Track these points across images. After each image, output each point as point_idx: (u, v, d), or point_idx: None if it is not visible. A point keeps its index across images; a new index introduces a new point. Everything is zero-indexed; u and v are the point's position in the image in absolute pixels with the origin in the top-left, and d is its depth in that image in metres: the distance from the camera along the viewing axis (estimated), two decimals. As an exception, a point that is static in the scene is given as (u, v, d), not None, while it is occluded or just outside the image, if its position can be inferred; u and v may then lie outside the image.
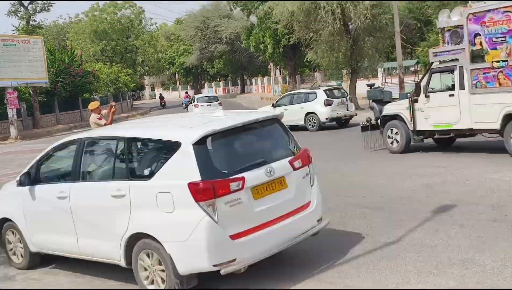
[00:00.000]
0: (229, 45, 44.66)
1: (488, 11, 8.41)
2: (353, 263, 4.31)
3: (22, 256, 5.11)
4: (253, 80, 50.44)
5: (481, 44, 8.57)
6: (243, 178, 3.70)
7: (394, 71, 26.13)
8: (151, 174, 3.92)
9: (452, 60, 9.06)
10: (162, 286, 3.82)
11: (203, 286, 3.95)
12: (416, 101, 9.74)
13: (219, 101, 26.35)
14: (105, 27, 46.51)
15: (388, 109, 10.71)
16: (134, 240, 3.90)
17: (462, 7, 9.63)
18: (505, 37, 8.18)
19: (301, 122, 16.71)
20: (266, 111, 5.38)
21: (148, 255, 3.86)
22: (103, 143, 4.83)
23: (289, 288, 3.98)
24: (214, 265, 3.55)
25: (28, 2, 32.75)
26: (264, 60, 39.68)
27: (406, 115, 9.97)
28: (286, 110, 15.61)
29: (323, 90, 17.24)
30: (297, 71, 38.24)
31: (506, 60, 8.18)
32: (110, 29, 46.84)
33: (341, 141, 13.94)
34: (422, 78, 10.27)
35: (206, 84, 60.13)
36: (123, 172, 4.25)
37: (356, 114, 17.35)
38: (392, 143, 10.40)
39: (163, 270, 3.77)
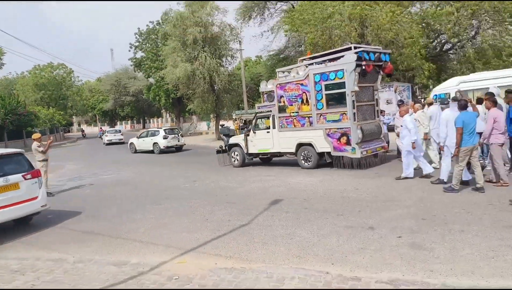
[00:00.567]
0: (135, 96, 60.94)
1: (288, 82, 12.98)
2: (222, 238, 6.24)
3: None
4: (151, 120, 71.92)
5: (284, 102, 13.16)
6: None
7: (240, 116, 35.30)
8: None
9: (269, 111, 13.65)
10: None
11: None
12: (248, 135, 14.43)
13: (121, 133, 39.55)
14: (44, 82, 62.74)
15: (232, 140, 15.63)
16: None
17: (273, 79, 14.08)
18: (296, 98, 12.74)
19: (151, 148, 25.44)
20: (13, 149, 8.49)
21: None
22: None
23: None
24: None
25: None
26: (159, 107, 56.45)
27: (242, 143, 14.72)
28: (144, 140, 26.23)
29: (163, 129, 26.17)
30: (181, 114, 53.03)
31: (297, 112, 12.76)
32: (47, 83, 62.94)
33: (204, 160, 18.67)
34: (252, 121, 14.89)
35: (118, 122, 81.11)
36: None
37: (185, 144, 26.40)
38: (234, 161, 15.12)
39: None
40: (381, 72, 12.43)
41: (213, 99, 32.22)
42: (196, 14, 29.96)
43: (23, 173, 7.72)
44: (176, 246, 6.03)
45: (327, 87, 11.90)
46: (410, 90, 23.43)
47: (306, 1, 23.25)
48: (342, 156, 12.05)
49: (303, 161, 12.79)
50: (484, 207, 6.61)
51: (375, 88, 12.56)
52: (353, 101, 11.44)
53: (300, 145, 12.81)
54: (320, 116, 12.16)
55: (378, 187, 9.01)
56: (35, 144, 11.62)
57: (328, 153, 12.18)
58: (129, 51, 51.81)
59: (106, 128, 54.33)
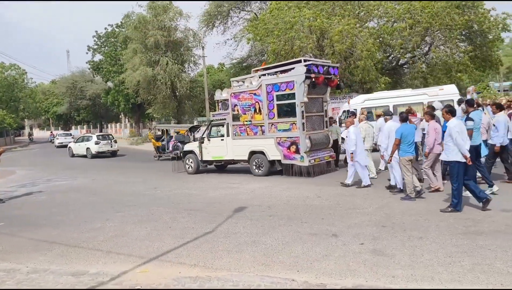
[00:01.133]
0: (92, 100, 58.13)
1: (241, 92, 13.26)
2: (186, 246, 6.13)
3: None
4: (109, 125, 67.79)
5: (238, 110, 13.36)
6: None
7: (204, 123, 34.84)
8: None
9: (223, 119, 13.82)
10: None
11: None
12: (203, 142, 14.51)
13: (72, 136, 40.71)
14: (-7, 83, 58.73)
15: (187, 147, 15.51)
16: None
17: (228, 88, 14.26)
18: (250, 107, 13.00)
19: (84, 153, 26.88)
20: None
21: None
22: None
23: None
24: None
25: None
26: (117, 112, 54.01)
27: (197, 151, 14.78)
28: (79, 145, 27.70)
29: (96, 135, 28.02)
30: (141, 120, 52.02)
31: (251, 121, 13.03)
32: (-3, 84, 59.12)
33: (157, 166, 18.35)
34: (206, 129, 14.85)
35: (73, 127, 75.94)
36: None
37: (118, 149, 27.37)
38: (189, 167, 15.20)
39: None
40: (329, 85, 12.98)
41: (175, 105, 32.11)
42: (159, 18, 29.61)
43: None
44: (137, 254, 5.85)
45: (279, 98, 12.35)
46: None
47: (269, 12, 23.56)
48: (292, 164, 12.45)
49: (255, 169, 13.13)
50: (440, 215, 6.90)
51: (324, 100, 13.15)
52: (302, 111, 11.94)
53: (252, 153, 13.15)
54: (271, 125, 12.57)
55: (340, 195, 9.20)
56: None
57: (279, 161, 12.55)
58: (87, 53, 50.36)
59: (59, 132, 52.36)
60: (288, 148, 12.19)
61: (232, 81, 14.40)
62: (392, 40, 21.66)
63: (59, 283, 4.95)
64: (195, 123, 38.06)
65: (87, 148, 26.56)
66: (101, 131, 72.15)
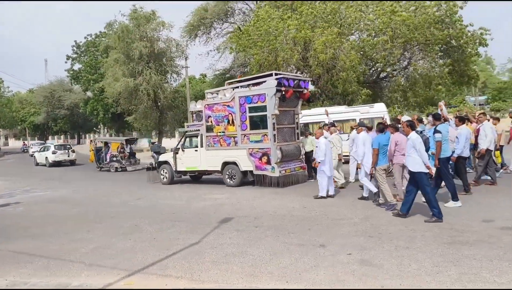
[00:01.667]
0: (70, 110, 58.73)
1: (215, 103, 13.48)
2: (172, 258, 6.01)
3: None
4: (87, 135, 69.06)
5: (211, 122, 13.57)
6: None
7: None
8: None
9: (197, 130, 14.01)
10: None
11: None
12: (177, 153, 14.61)
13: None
14: (-34, 90, 57.12)
15: (162, 157, 15.68)
16: None
17: (202, 100, 14.42)
18: (223, 119, 13.23)
19: (44, 162, 28.20)
20: None
21: None
22: None
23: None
24: None
25: None
26: (96, 121, 53.76)
27: (171, 161, 14.88)
28: (41, 154, 28.76)
29: (54, 145, 29.70)
30: (120, 130, 51.16)
31: (224, 132, 13.25)
32: (-29, 92, 57.55)
33: (138, 177, 18.22)
34: (181, 140, 15.03)
35: (50, 137, 73.82)
36: None
37: (76, 159, 28.71)
38: (163, 178, 15.22)
39: None
40: (301, 98, 13.32)
41: (157, 116, 31.88)
42: (141, 28, 29.49)
43: None
44: (122, 267, 5.71)
45: (251, 110, 12.61)
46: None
47: (252, 24, 23.75)
48: (263, 175, 12.63)
49: (228, 179, 13.25)
50: (425, 225, 6.98)
51: (296, 112, 13.47)
52: (274, 123, 12.25)
53: (225, 164, 13.32)
54: (244, 137, 12.80)
55: (325, 205, 9.21)
56: None
57: (251, 171, 12.79)
58: (66, 62, 49.68)
59: (34, 142, 51.21)
60: (260, 159, 12.43)
61: (206, 92, 14.61)
62: (374, 53, 22.08)
63: (40, 297, 4.78)
64: (177, 133, 38.27)
65: (46, 157, 28.06)
66: (78, 142, 71.22)
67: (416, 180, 7.40)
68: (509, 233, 6.25)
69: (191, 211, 9.44)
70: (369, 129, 10.05)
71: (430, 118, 9.73)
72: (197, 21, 31.03)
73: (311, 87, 27.31)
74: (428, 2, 21.78)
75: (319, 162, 9.98)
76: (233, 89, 13.20)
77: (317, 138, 10.44)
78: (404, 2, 22.57)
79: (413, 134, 7.49)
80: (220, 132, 13.33)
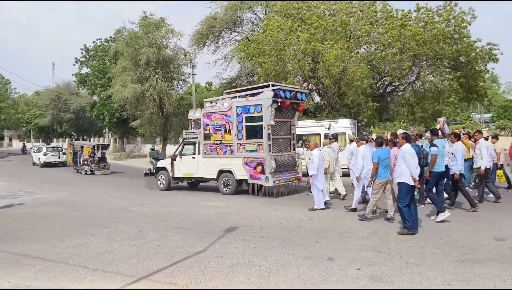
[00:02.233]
0: (76, 113, 58.29)
1: (213, 112, 13.61)
2: (177, 266, 5.91)
3: None
4: (92, 139, 66.82)
5: (209, 130, 13.69)
6: None
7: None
8: None
9: (195, 138, 14.17)
10: None
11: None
12: (175, 159, 14.75)
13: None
14: (-27, 91, 57.75)
15: (160, 163, 15.80)
16: None
17: (201, 108, 14.59)
18: (220, 127, 13.34)
19: (38, 162, 30.43)
20: None
21: None
22: None
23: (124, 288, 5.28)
24: None
25: None
26: (102, 126, 53.79)
27: (169, 167, 14.97)
28: (35, 155, 31.09)
29: (45, 147, 31.84)
30: (125, 135, 51.14)
31: (221, 140, 13.36)
32: (-22, 92, 58.13)
33: (129, 182, 16.98)
34: (179, 147, 15.10)
35: (54, 139, 74.37)
36: None
37: (66, 161, 29.66)
38: (160, 184, 15.30)
39: None
40: (297, 110, 13.40)
41: (162, 122, 31.87)
42: (150, 35, 29.68)
43: None
44: (126, 273, 5.61)
45: (247, 119, 12.77)
46: (356, 126, 24.44)
47: (261, 32, 23.82)
48: (257, 184, 12.71)
49: (223, 187, 13.38)
50: (435, 242, 6.85)
51: (292, 124, 13.55)
52: (269, 133, 12.31)
53: (221, 172, 13.43)
54: (240, 146, 12.92)
55: (332, 218, 9.09)
56: None
57: (246, 180, 12.84)
58: (74, 65, 49.87)
59: (37, 143, 51.40)
60: (255, 168, 12.53)
61: (205, 101, 14.75)
62: (383, 66, 22.05)
63: (43, 301, 4.68)
64: (181, 140, 38.96)
65: (38, 158, 30.40)
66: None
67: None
68: (522, 253, 6.12)
69: (195, 219, 9.33)
70: (366, 142, 10.13)
71: (428, 134, 9.86)
72: (205, 29, 31.16)
73: (317, 99, 27.40)
74: (437, 18, 21.78)
75: (311, 176, 10.03)
76: (231, 99, 13.34)
77: (311, 150, 10.44)
78: (414, 15, 22.59)
79: (405, 146, 7.69)
80: (217, 140, 13.49)
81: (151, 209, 10.84)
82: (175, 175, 14.80)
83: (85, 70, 48.69)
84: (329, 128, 18.34)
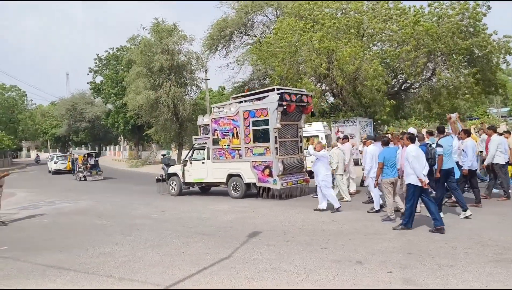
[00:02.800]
0: (91, 122, 60.01)
1: (221, 117, 13.71)
2: (203, 273, 5.82)
3: None
4: (107, 147, 70.55)
5: (217, 135, 13.76)
6: None
7: None
8: None
9: (204, 143, 14.29)
10: None
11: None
12: (185, 165, 14.92)
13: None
14: (-8, 104, 58.95)
15: (171, 169, 15.92)
16: None
17: (209, 114, 14.66)
18: (228, 132, 13.43)
19: (50, 169, 34.68)
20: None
21: None
22: None
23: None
24: None
25: None
26: (117, 134, 54.50)
27: (180, 173, 15.12)
28: (49, 163, 35.29)
29: (56, 156, 35.74)
30: (140, 142, 52.12)
31: (229, 145, 13.43)
32: (-3, 105, 59.48)
33: (143, 189, 17.18)
34: (189, 152, 15.24)
35: (71, 149, 71.75)
36: None
37: (70, 167, 30.83)
38: (172, 189, 15.48)
39: None
40: (303, 112, 13.49)
41: (176, 128, 32.01)
42: (163, 41, 29.89)
43: None
44: (153, 281, 5.55)
45: (254, 123, 12.89)
46: (372, 126, 24.18)
47: (274, 34, 23.76)
48: (265, 187, 12.78)
49: (232, 191, 13.52)
50: (466, 241, 6.64)
51: (299, 126, 13.59)
52: (276, 136, 12.42)
53: (230, 176, 13.58)
54: (247, 150, 13.03)
55: (356, 219, 8.92)
56: None
57: (254, 183, 12.99)
58: (88, 74, 50.67)
59: (53, 153, 52.52)
60: (263, 171, 12.65)
61: (213, 107, 14.87)
62: (397, 63, 21.77)
63: (72, 313, 4.64)
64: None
65: (50, 166, 34.44)
66: (99, 154, 72.37)
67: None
68: (559, 251, 5.88)
69: (217, 225, 9.25)
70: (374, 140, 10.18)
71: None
72: (217, 33, 31.25)
73: (331, 99, 27.15)
74: (451, 11, 21.41)
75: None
76: (238, 104, 13.48)
77: (318, 151, 10.35)
78: (427, 10, 22.27)
79: (409, 147, 7.57)
80: (225, 145, 13.61)
81: (171, 216, 10.81)
82: (186, 181, 14.99)
83: (99, 78, 49.36)
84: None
